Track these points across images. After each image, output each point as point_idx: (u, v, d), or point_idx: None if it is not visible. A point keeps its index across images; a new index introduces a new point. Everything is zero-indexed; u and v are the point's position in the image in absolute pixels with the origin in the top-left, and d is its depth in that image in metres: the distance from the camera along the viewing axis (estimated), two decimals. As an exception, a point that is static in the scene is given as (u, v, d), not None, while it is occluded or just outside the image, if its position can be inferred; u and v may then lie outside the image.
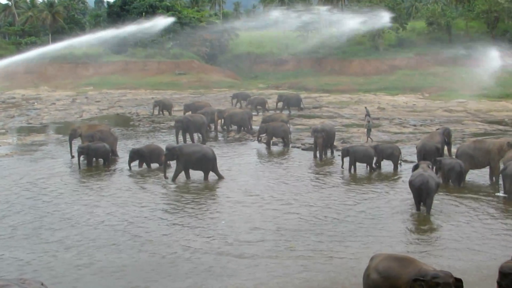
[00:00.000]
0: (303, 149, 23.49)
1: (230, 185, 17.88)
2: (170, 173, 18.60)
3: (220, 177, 18.51)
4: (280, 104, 37.38)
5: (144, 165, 20.25)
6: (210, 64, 64.93)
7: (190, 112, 30.07)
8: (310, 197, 16.26)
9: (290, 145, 24.37)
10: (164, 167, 18.67)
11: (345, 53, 61.64)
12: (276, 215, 14.50)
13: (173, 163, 19.06)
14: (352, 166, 19.49)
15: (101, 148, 20.70)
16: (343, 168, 19.79)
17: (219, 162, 19.16)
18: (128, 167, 20.03)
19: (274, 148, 24.26)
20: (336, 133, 24.10)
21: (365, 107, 36.05)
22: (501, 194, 16.21)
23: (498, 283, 8.05)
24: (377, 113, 36.54)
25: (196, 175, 18.64)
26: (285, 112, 34.11)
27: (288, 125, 25.79)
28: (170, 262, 11.51)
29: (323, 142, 21.78)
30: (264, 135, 24.44)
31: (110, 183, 18.50)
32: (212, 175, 18.55)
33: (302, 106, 37.82)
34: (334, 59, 61.52)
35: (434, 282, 7.55)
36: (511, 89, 44.57)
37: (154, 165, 20.30)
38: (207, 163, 18.33)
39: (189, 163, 18.35)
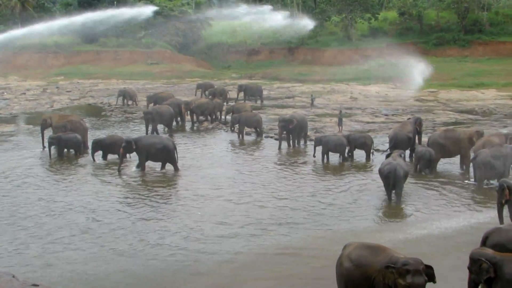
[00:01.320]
0: (276, 139, 23.52)
1: (200, 176, 17.72)
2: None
3: (176, 170, 18.27)
4: (241, 95, 37.29)
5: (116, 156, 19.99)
6: (183, 54, 64.48)
7: (152, 104, 29.79)
8: (282, 188, 16.27)
9: (263, 135, 24.37)
10: (120, 160, 18.41)
11: (318, 43, 61.78)
12: (245, 207, 14.40)
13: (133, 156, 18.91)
14: (325, 156, 19.55)
15: (72, 138, 20.45)
16: (314, 157, 19.84)
17: (190, 153, 19.07)
18: (92, 159, 19.82)
19: (247, 138, 24.23)
20: (309, 122, 24.16)
21: (311, 95, 36.52)
22: (470, 181, 16.44)
23: (469, 269, 8.18)
24: (349, 103, 36.74)
25: (168, 166, 18.52)
26: (248, 103, 33.89)
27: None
28: (129, 256, 11.32)
29: (295, 131, 21.88)
30: (236, 125, 24.42)
31: (77, 174, 18.25)
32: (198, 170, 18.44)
33: (262, 96, 37.30)
34: (307, 49, 61.63)
35: (404, 269, 7.61)
36: (481, 78, 45.12)
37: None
38: (167, 155, 18.17)
39: (148, 155, 18.18)
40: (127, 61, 59.57)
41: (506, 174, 15.81)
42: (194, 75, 55.61)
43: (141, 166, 18.22)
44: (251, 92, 37.28)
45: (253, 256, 11.21)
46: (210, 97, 34.43)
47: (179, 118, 27.69)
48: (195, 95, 37.81)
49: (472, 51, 55.17)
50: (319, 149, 19.68)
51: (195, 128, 27.21)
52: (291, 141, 22.15)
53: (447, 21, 60.21)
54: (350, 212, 13.85)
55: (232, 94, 37.73)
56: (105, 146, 19.97)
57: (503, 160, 15.62)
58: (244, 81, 45.15)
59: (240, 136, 24.13)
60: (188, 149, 21.82)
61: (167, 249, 11.63)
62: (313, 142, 20.80)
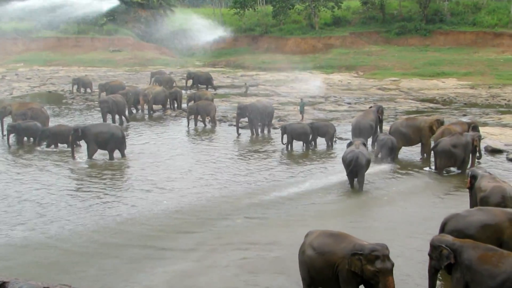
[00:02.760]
0: (241, 127, 23.49)
1: (154, 165, 17.50)
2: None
3: (123, 156, 18.19)
4: (189, 82, 37.06)
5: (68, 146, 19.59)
6: (146, 41, 63.79)
7: (104, 93, 29.38)
8: (240, 176, 16.27)
9: (217, 124, 24.37)
10: (72, 148, 18.19)
11: (281, 31, 61.80)
12: (203, 197, 14.29)
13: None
14: (289, 144, 19.63)
15: (32, 126, 20.09)
16: (283, 144, 19.87)
17: (146, 142, 18.94)
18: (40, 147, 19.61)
19: (205, 126, 24.16)
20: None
21: (245, 83, 36.77)
22: (429, 169, 16.71)
23: (429, 255, 8.31)
24: (313, 91, 36.88)
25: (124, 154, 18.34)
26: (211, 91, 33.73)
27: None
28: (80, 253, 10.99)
29: (255, 119, 21.93)
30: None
31: (30, 163, 17.92)
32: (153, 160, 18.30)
33: (213, 84, 37.13)
34: (270, 37, 61.61)
35: (373, 255, 7.70)
36: (442, 68, 45.78)
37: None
38: (115, 143, 18.02)
39: (96, 143, 18.02)
40: (88, 48, 58.60)
41: (466, 162, 16.11)
42: (157, 62, 55.11)
43: (89, 154, 18.05)
44: (200, 80, 36.97)
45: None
46: (156, 83, 34.12)
47: (138, 107, 27.48)
48: (150, 83, 36.58)
49: (433, 40, 55.89)
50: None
51: (155, 116, 26.99)
52: (254, 129, 22.18)
53: (409, 11, 60.84)
54: (312, 197, 13.94)
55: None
56: (49, 135, 19.67)
57: (463, 148, 15.91)
58: (193, 69, 44.72)
59: (196, 124, 24.12)
60: (144, 137, 21.90)
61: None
62: (277, 130, 20.82)
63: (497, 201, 10.58)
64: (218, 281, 9.41)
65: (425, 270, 8.59)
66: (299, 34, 60.04)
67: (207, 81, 37.04)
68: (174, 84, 34.61)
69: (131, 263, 10.13)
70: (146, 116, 26.94)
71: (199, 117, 24.21)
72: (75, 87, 35.23)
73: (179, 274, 9.66)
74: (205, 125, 24.15)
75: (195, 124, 24.02)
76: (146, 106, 27.16)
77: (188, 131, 23.41)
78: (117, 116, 24.50)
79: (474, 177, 11.85)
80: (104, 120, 23.75)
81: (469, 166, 16.32)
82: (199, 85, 36.80)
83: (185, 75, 38.84)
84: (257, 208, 13.27)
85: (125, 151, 18.40)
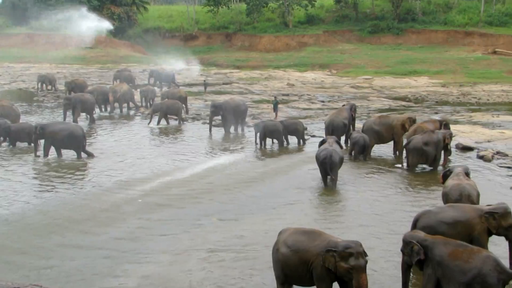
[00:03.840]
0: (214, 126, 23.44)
1: (120, 163, 17.34)
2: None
3: (79, 157, 17.85)
4: (152, 80, 36.89)
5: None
6: (118, 38, 63.34)
7: (69, 91, 29.02)
8: (211, 174, 16.18)
9: (183, 122, 24.30)
10: (35, 146, 18.00)
11: (255, 29, 61.86)
12: (172, 196, 14.13)
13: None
14: (262, 141, 19.67)
15: (1, 124, 19.78)
16: (256, 143, 19.90)
17: (114, 141, 18.86)
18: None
19: (186, 125, 24.09)
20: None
21: (204, 80, 36.92)
22: (401, 166, 16.88)
23: (402, 251, 8.40)
24: (286, 89, 37.02)
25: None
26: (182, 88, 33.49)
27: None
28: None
29: (228, 117, 21.88)
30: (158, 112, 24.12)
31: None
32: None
33: (176, 81, 37.00)
34: (244, 35, 61.63)
35: (347, 252, 7.74)
36: (414, 66, 46.26)
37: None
38: (75, 142, 17.79)
39: (56, 141, 17.80)
40: (60, 44, 57.90)
41: (437, 159, 16.30)
42: (130, 60, 54.79)
43: (44, 152, 17.84)
44: (162, 78, 36.78)
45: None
46: (117, 81, 33.93)
47: (102, 106, 27.19)
48: (113, 83, 35.38)
49: (405, 39, 56.50)
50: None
51: (124, 114, 26.85)
52: (227, 127, 22.18)
53: (382, 9, 61.40)
54: (285, 195, 13.96)
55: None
56: (10, 133, 19.41)
57: (434, 146, 16.08)
58: (155, 67, 44.42)
59: (163, 122, 23.96)
60: (109, 135, 21.86)
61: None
62: (251, 129, 20.82)
63: (455, 198, 10.85)
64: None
65: (398, 266, 8.67)
66: (273, 32, 60.19)
67: (168, 78, 36.79)
68: (135, 82, 34.38)
69: (102, 265, 10.03)
70: (115, 114, 26.71)
71: (172, 115, 24.13)
72: (41, 84, 34.77)
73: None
74: (168, 123, 23.99)
75: (158, 123, 23.82)
76: (116, 104, 26.93)
77: (152, 130, 23.22)
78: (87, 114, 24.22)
79: (445, 175, 12.05)
80: (64, 118, 23.40)
81: (441, 163, 16.58)
82: (163, 82, 36.51)
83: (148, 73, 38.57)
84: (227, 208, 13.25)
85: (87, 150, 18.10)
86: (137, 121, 25.33)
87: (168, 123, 24.06)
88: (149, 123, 23.86)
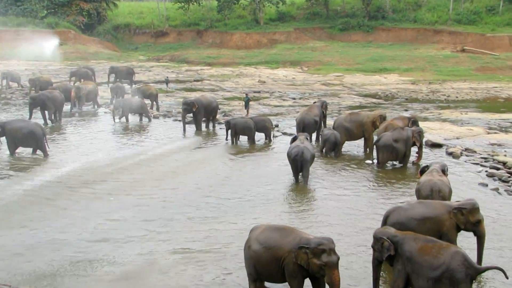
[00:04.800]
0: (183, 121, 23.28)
1: (84, 162, 17.07)
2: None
3: (45, 155, 17.57)
4: (112, 77, 36.54)
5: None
6: (88, 34, 62.64)
7: (34, 89, 28.52)
8: (182, 171, 16.16)
9: (148, 120, 24.04)
10: None
11: (226, 26, 61.73)
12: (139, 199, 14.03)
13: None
14: (234, 138, 19.66)
15: None
16: (227, 140, 19.87)
17: (77, 139, 19.05)
18: None
19: (154, 123, 23.92)
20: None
21: (166, 77, 36.96)
22: (371, 162, 17.01)
23: (372, 247, 8.46)
24: (257, 86, 37.02)
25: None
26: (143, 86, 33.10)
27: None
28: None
29: (200, 115, 21.78)
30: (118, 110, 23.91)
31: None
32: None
33: (134, 79, 36.48)
34: (215, 32, 61.46)
35: (319, 249, 7.78)
36: (384, 64, 46.64)
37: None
38: (33, 140, 17.53)
39: (15, 139, 17.54)
40: (28, 41, 56.93)
41: (407, 155, 16.46)
42: (100, 57, 54.26)
43: (9, 150, 17.60)
44: (121, 75, 36.53)
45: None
46: (73, 78, 33.52)
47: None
48: (69, 80, 34.58)
49: (375, 36, 56.91)
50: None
51: (86, 111, 26.50)
52: (198, 124, 22.07)
53: (352, 7, 61.75)
54: (256, 191, 13.96)
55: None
56: None
57: (404, 142, 16.24)
58: (115, 64, 43.84)
59: (125, 120, 23.79)
60: (72, 133, 21.65)
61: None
62: (222, 126, 20.77)
63: (426, 193, 11.06)
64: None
65: (369, 262, 8.73)
66: (244, 29, 60.14)
67: (128, 75, 36.40)
68: (92, 79, 33.95)
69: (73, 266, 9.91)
70: (77, 112, 26.27)
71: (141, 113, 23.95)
72: (4, 81, 34.13)
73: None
74: (127, 120, 23.76)
75: (119, 119, 23.67)
76: (79, 102, 26.54)
77: (114, 127, 23.03)
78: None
79: (422, 171, 12.22)
80: (30, 116, 22.95)
81: (415, 160, 16.78)
82: (122, 80, 36.13)
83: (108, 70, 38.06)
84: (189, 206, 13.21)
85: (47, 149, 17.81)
86: (105, 119, 24.98)
87: (127, 121, 23.77)
88: (114, 120, 23.65)
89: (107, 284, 9.06)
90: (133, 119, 24.08)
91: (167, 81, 36.44)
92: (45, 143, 17.71)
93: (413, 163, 16.81)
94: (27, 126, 17.63)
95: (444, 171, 11.98)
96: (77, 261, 9.89)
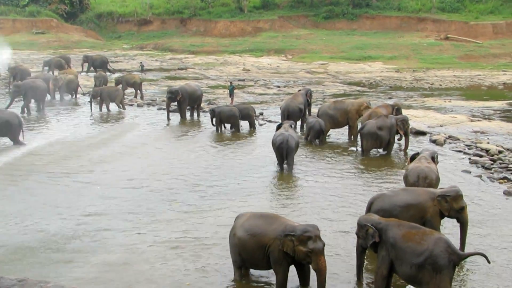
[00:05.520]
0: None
1: (65, 151, 17.05)
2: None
3: (18, 144, 17.37)
4: (85, 66, 36.34)
5: None
6: (70, 23, 62.02)
7: (13, 78, 28.12)
8: (167, 160, 16.12)
9: (124, 108, 23.88)
10: None
11: (210, 14, 61.41)
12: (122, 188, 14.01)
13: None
14: (219, 127, 19.63)
15: None
16: (213, 125, 19.79)
17: (57, 128, 18.98)
18: None
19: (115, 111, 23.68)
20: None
21: (141, 62, 36.88)
22: (356, 150, 17.06)
23: (357, 234, 8.50)
24: (242, 74, 36.96)
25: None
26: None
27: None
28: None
29: (184, 103, 21.69)
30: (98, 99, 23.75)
31: None
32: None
33: (109, 67, 36.39)
34: (199, 20, 61.13)
35: (305, 236, 7.81)
36: (368, 52, 46.73)
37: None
38: (11, 130, 17.29)
39: None
40: (9, 30, 56.33)
41: (391, 143, 16.53)
42: (83, 45, 53.81)
43: None
44: (96, 64, 36.30)
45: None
46: (45, 68, 33.16)
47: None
48: (42, 70, 33.97)
49: (360, 24, 56.92)
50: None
51: (67, 102, 26.25)
52: (182, 112, 21.99)
53: (337, -5, 61.68)
54: (241, 180, 13.96)
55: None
56: None
57: (388, 130, 16.30)
58: (90, 53, 43.39)
59: (104, 109, 23.58)
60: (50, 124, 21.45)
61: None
62: (207, 114, 20.72)
63: (413, 180, 11.19)
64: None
65: (353, 249, 8.77)
66: (228, 17, 59.88)
67: (102, 64, 36.20)
68: (66, 67, 33.67)
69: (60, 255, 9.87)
70: (57, 103, 25.92)
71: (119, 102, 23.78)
72: None
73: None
74: (109, 110, 23.55)
75: (100, 109, 23.50)
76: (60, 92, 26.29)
77: (92, 116, 22.90)
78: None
79: (412, 158, 12.29)
80: (9, 105, 22.66)
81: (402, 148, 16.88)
82: (97, 68, 35.91)
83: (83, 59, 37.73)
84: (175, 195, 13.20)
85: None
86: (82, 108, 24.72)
87: (108, 110, 23.57)
88: (90, 104, 23.52)
89: (92, 272, 9.01)
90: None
91: (142, 67, 36.41)
92: (21, 133, 17.50)
93: (403, 152, 16.84)
94: (3, 116, 17.35)
95: (433, 159, 12.06)
96: (61, 249, 9.85)
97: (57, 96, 26.02)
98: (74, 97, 26.88)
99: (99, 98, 23.51)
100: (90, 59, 36.38)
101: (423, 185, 10.84)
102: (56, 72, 31.59)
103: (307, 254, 7.82)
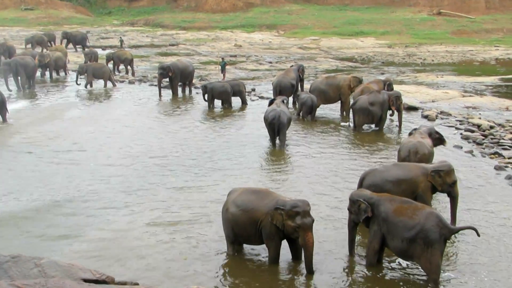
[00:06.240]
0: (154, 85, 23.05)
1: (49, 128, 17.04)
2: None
3: (4, 121, 17.40)
4: (64, 42, 35.92)
5: None
6: (60, -1, 61.46)
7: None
8: (159, 137, 16.06)
9: (112, 85, 23.63)
10: None
11: (201, -11, 60.98)
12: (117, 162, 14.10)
13: None
14: (211, 103, 19.58)
15: None
16: (205, 100, 19.74)
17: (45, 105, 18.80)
18: None
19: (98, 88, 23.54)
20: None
21: (120, 37, 36.66)
22: (348, 125, 17.07)
23: (348, 209, 8.54)
24: (234, 50, 36.78)
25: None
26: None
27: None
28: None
29: (176, 79, 21.59)
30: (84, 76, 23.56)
31: None
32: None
33: (88, 44, 36.07)
34: (190, -4, 60.68)
35: (293, 211, 7.85)
36: (361, 27, 46.55)
37: None
38: None
39: None
40: (-3, 6, 55.79)
41: (383, 119, 16.53)
42: (73, 21, 53.35)
43: None
44: (76, 40, 35.97)
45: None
46: (28, 45, 32.79)
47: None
48: (25, 47, 33.19)
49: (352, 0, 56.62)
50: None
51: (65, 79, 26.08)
52: (174, 89, 21.88)
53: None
54: (233, 155, 13.97)
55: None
56: None
57: (380, 106, 16.29)
58: (81, 29, 43.03)
59: (88, 86, 23.37)
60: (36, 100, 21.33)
61: None
62: (198, 90, 20.64)
63: (404, 155, 11.29)
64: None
65: (345, 225, 8.81)
66: (219, -8, 59.42)
67: (82, 41, 35.92)
68: (48, 45, 33.37)
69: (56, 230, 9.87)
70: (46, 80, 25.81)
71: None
72: None
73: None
74: (91, 86, 23.37)
75: (85, 86, 23.35)
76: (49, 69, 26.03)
77: (78, 92, 22.81)
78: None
79: (410, 134, 12.36)
80: (6, 84, 22.53)
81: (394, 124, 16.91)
82: (77, 45, 35.65)
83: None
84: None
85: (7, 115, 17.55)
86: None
87: (91, 86, 23.37)
88: (76, 81, 23.40)
89: (84, 248, 9.03)
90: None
91: (121, 42, 36.21)
92: (5, 110, 17.39)
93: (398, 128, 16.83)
94: None
95: (431, 134, 12.09)
96: (54, 225, 9.87)
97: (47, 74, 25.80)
98: (65, 74, 26.67)
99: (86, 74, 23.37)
100: (69, 36, 35.98)
101: (414, 159, 10.89)
102: (38, 49, 31.28)
103: (295, 229, 7.88)
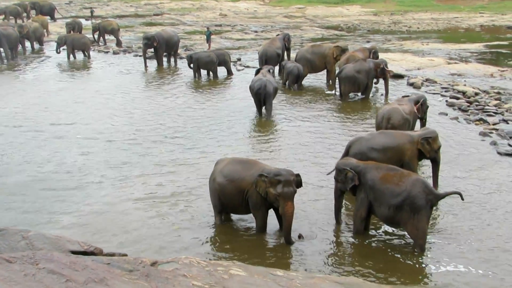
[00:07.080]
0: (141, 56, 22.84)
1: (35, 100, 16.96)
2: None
3: None
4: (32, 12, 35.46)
5: None
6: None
7: None
8: (145, 108, 15.98)
9: (90, 58, 23.45)
10: None
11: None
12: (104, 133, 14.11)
13: None
14: (196, 73, 19.46)
15: None
16: (191, 67, 19.61)
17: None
18: None
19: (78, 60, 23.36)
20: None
21: (91, 8, 36.36)
22: (332, 92, 17.08)
23: (335, 178, 8.57)
24: (219, 20, 36.47)
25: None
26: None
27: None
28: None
29: (161, 49, 21.40)
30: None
31: None
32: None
33: (56, 15, 35.57)
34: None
35: (276, 179, 7.90)
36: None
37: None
38: None
39: None
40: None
41: (369, 87, 16.53)
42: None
43: None
44: (43, 11, 35.24)
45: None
46: (1, 17, 32.30)
47: None
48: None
49: (337, -33, 56.08)
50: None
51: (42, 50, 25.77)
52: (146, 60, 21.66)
53: None
54: (219, 126, 13.94)
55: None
56: None
57: (366, 74, 16.26)
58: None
59: (70, 57, 23.21)
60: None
61: None
62: (184, 60, 20.48)
63: (378, 121, 11.61)
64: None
65: (332, 193, 8.85)
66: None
67: (50, 11, 35.31)
68: (23, 15, 32.93)
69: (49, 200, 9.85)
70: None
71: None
72: None
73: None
74: (74, 57, 23.24)
75: (68, 57, 23.15)
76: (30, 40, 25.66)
77: (61, 64, 22.56)
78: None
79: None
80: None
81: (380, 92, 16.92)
82: (46, 15, 35.05)
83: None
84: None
85: None
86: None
87: (75, 57, 23.23)
88: (68, 58, 23.17)
89: (71, 221, 9.03)
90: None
91: (91, 13, 35.80)
92: None
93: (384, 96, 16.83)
94: None
95: (417, 102, 12.05)
96: (41, 198, 9.85)
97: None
98: (40, 45, 26.37)
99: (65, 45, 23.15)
100: (37, 6, 35.35)
101: (386, 126, 11.04)
102: (12, 20, 30.82)
103: (276, 198, 7.93)
